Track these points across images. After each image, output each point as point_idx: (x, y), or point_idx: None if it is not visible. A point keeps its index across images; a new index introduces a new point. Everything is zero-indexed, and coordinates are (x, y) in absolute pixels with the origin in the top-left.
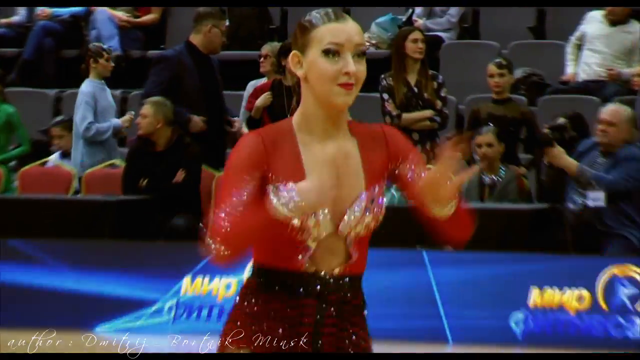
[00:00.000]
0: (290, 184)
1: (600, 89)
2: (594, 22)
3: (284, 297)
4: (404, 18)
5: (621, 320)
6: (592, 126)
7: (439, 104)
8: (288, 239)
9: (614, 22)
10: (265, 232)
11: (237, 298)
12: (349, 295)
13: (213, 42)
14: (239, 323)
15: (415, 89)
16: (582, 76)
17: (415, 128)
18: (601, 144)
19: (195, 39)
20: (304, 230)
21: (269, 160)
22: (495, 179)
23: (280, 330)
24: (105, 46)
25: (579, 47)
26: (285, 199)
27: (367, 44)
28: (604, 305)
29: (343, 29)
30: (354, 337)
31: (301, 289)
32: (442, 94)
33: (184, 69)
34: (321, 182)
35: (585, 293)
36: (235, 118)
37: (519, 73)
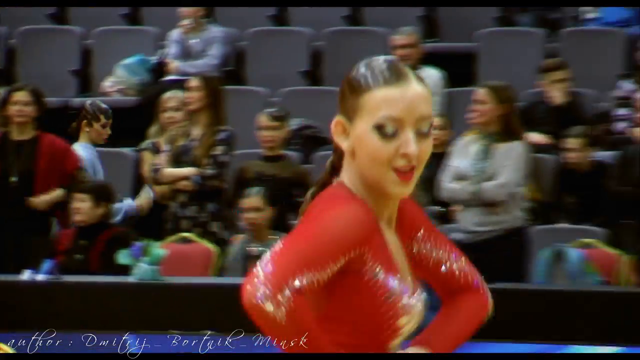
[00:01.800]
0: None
1: None
2: None
3: None
4: (154, 59)
5: None
6: None
7: (205, 162)
8: (382, 322)
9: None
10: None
11: None
12: None
13: None
14: None
15: (195, 143)
16: None
17: (180, 188)
18: None
19: None
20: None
21: (372, 239)
22: (265, 250)
23: None
24: (104, 106)
25: None
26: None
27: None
28: None
29: (404, 97)
30: None
31: None
32: (217, 152)
33: None
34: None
35: None
36: None
37: (292, 125)
